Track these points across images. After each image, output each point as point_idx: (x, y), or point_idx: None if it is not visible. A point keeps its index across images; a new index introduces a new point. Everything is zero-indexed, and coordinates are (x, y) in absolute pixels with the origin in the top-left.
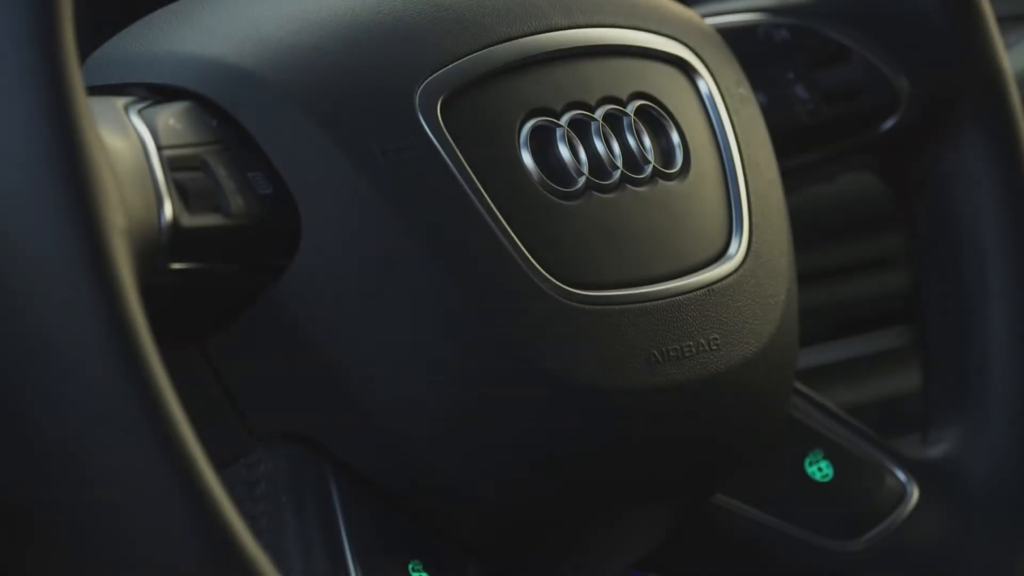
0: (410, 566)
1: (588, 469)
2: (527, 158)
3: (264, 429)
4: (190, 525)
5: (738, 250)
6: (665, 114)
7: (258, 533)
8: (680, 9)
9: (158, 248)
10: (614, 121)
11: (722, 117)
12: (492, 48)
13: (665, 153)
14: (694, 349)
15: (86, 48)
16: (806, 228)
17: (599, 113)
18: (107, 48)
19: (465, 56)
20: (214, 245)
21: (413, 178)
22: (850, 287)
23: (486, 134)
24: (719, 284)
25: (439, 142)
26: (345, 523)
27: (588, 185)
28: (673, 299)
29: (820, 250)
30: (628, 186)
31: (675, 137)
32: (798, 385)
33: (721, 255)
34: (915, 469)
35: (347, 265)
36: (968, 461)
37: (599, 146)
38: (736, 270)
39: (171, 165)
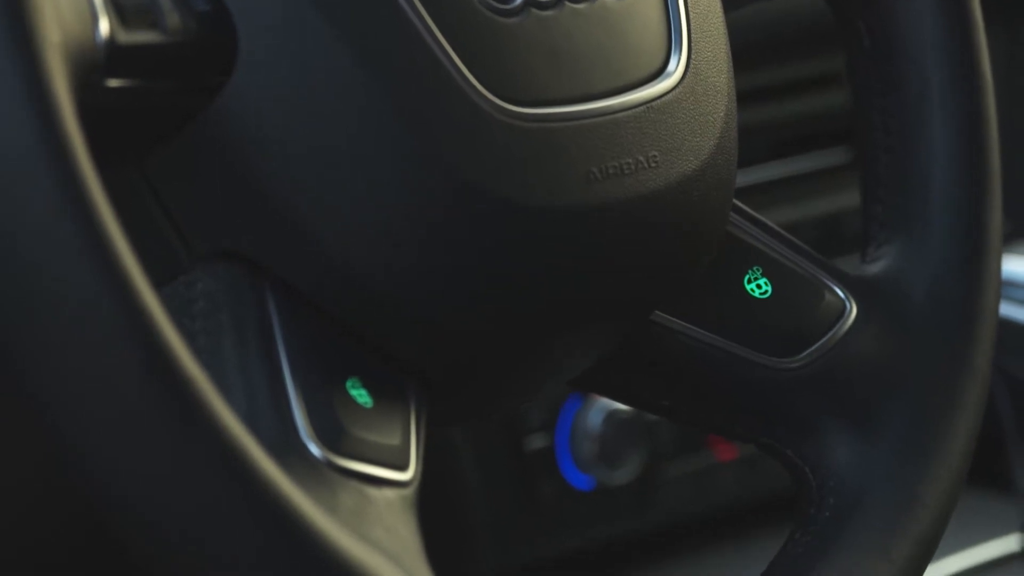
0: (348, 383)
1: (526, 288)
2: None
3: (203, 248)
4: (129, 341)
5: (677, 67)
6: None
7: (196, 351)
8: None
9: (94, 65)
10: None
11: None
12: None
13: None
14: (633, 166)
15: None
16: (746, 46)
17: None
18: None
19: None
20: (151, 62)
21: None
22: (791, 106)
23: None
24: (658, 101)
25: None
26: (283, 341)
27: (527, 2)
28: (612, 116)
29: (760, 68)
30: (567, 3)
31: None
32: (737, 203)
33: (660, 72)
34: (854, 286)
35: (284, 82)
36: (907, 277)
37: None
38: (675, 87)
39: None
